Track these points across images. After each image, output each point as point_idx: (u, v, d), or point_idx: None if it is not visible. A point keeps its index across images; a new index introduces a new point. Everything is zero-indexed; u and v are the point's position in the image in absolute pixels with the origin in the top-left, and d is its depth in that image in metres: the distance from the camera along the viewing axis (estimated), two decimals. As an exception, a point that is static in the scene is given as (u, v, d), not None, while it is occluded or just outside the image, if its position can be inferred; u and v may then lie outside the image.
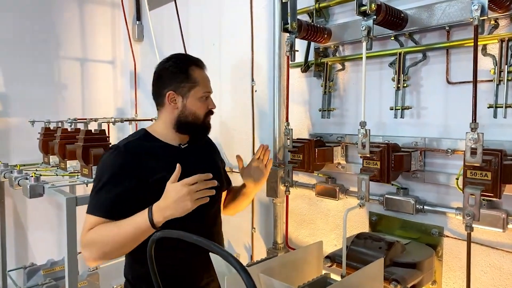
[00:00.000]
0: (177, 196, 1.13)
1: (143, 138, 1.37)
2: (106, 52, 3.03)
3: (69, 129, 2.10)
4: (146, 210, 1.17)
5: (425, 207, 1.36)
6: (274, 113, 1.87)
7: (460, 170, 1.23)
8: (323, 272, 1.27)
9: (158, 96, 1.38)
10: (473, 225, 1.07)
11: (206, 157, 1.49)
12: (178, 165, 1.19)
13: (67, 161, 2.02)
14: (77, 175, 1.93)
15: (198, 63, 1.40)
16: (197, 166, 1.38)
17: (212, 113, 1.42)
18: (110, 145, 1.39)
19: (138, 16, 2.98)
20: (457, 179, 1.25)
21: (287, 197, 1.84)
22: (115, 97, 3.09)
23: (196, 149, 1.44)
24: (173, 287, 1.31)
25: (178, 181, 1.22)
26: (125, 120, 2.30)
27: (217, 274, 1.14)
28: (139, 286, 1.35)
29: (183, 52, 2.43)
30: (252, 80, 2.07)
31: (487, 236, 1.26)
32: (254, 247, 2.13)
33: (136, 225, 1.17)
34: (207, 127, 1.41)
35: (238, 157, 1.59)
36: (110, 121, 2.18)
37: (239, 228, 2.21)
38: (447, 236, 1.36)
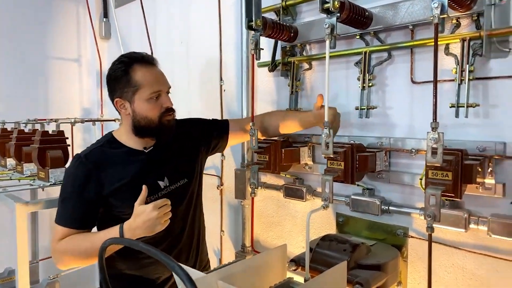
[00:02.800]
0: (147, 218, 1.15)
1: (107, 144, 1.33)
2: (71, 50, 2.91)
3: (26, 130, 1.99)
4: (117, 227, 1.19)
5: (390, 207, 1.35)
6: (242, 112, 1.83)
7: (423, 170, 1.22)
8: (288, 276, 1.23)
9: (112, 104, 1.33)
10: (436, 226, 1.06)
11: (175, 153, 1.41)
12: (144, 187, 1.19)
13: (24, 164, 1.91)
14: (34, 179, 1.83)
15: (142, 61, 1.29)
16: (162, 168, 1.34)
17: (169, 111, 1.32)
18: (75, 154, 1.34)
19: (105, 13, 2.88)
20: (421, 179, 1.24)
21: (252, 199, 1.80)
22: (81, 96, 2.98)
23: (163, 149, 1.37)
24: None
25: (136, 186, 1.22)
26: (87, 121, 2.21)
27: (177, 282, 1.10)
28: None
29: (150, 50, 2.35)
30: (221, 79, 2.02)
31: (450, 236, 1.26)
32: (223, 250, 2.08)
33: None
34: (165, 128, 1.32)
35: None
36: (71, 121, 2.08)
37: (207, 231, 2.15)
38: (412, 237, 1.35)
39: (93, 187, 1.24)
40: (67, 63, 2.88)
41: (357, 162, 1.27)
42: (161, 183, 1.33)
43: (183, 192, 1.39)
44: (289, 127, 1.48)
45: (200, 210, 1.52)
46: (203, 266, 1.53)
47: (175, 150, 1.41)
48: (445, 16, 0.96)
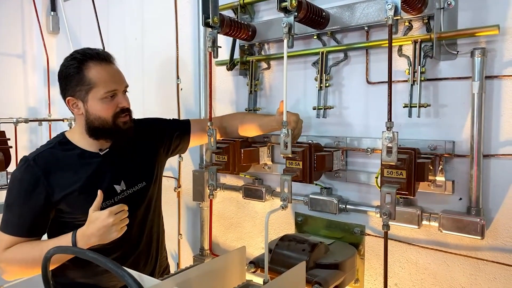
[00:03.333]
0: (102, 225, 1.10)
1: (58, 146, 1.25)
2: (14, 45, 2.71)
3: (-39, 131, 1.82)
4: (70, 234, 1.13)
5: (347, 206, 1.37)
6: (200, 112, 1.79)
7: (379, 169, 1.24)
8: (247, 278, 1.21)
9: (65, 103, 1.25)
10: (391, 223, 1.08)
11: (133, 156, 1.34)
12: (99, 191, 1.14)
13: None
14: (-29, 183, 1.68)
15: (97, 58, 1.21)
16: (118, 171, 1.28)
17: (125, 111, 1.25)
18: (22, 157, 1.24)
19: (53, 7, 2.71)
20: (377, 177, 1.27)
21: (211, 201, 1.76)
22: (26, 95, 2.77)
23: (120, 151, 1.30)
24: None
25: (90, 190, 1.16)
26: (32, 120, 2.05)
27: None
28: None
29: (102, 46, 2.24)
30: (178, 77, 1.96)
31: (404, 233, 1.29)
32: (181, 254, 2.02)
33: None
34: (120, 129, 1.24)
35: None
36: (13, 121, 1.92)
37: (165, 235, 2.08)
38: (369, 235, 1.37)
39: (42, 192, 1.16)
40: (10, 58, 2.67)
41: (315, 162, 1.27)
42: (118, 187, 1.26)
43: (141, 196, 1.34)
44: (250, 130, 1.46)
45: (159, 214, 1.47)
46: (162, 271, 1.48)
47: (133, 151, 1.35)
48: (399, 17, 0.98)
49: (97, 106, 1.20)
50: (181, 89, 1.97)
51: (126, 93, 1.29)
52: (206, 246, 1.78)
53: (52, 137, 1.35)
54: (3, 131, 1.71)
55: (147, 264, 1.37)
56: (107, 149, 1.28)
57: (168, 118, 1.52)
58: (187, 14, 1.90)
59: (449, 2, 1.15)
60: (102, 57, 1.22)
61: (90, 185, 1.20)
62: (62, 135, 1.29)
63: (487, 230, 1.13)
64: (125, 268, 0.67)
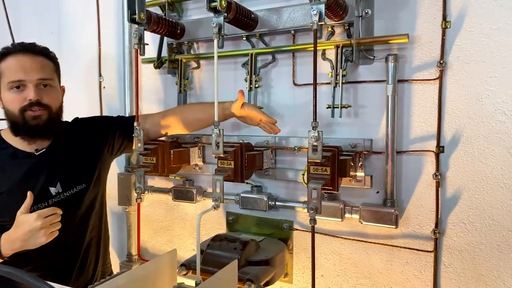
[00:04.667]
0: (28, 229, 1.04)
1: None
2: None
3: None
4: None
5: (276, 203, 1.41)
6: (125, 111, 1.71)
7: (305, 166, 1.30)
8: (179, 281, 1.19)
9: None
10: (317, 217, 1.14)
11: (72, 157, 1.25)
12: (29, 193, 1.08)
13: None
14: None
15: (18, 48, 1.17)
16: (54, 173, 1.19)
17: (34, 105, 1.14)
18: None
19: None
20: (303, 174, 1.33)
21: (138, 204, 1.70)
22: None
23: (58, 150, 1.21)
24: None
25: (21, 193, 1.09)
26: None
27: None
28: None
29: (11, 40, 2.03)
30: (100, 75, 1.85)
31: (329, 226, 1.37)
32: (106, 262, 1.91)
33: None
34: (28, 124, 1.14)
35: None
36: None
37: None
38: (297, 229, 1.43)
39: None
40: None
41: (246, 161, 1.29)
42: (53, 190, 1.19)
43: (79, 199, 1.25)
44: (209, 120, 1.38)
45: (101, 218, 1.38)
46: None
47: (73, 152, 1.27)
48: (323, 23, 1.04)
49: (5, 96, 1.14)
50: (104, 87, 1.86)
51: (48, 87, 1.20)
52: (134, 252, 1.70)
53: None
54: None
55: (83, 273, 1.28)
56: (44, 149, 1.20)
57: (112, 115, 1.45)
58: (111, 8, 1.80)
59: (366, 11, 1.25)
60: (23, 48, 1.17)
61: (21, 187, 1.13)
62: None
63: (400, 220, 1.25)
64: (48, 282, 0.62)
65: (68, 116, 1.53)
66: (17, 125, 1.15)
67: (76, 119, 1.39)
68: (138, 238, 1.43)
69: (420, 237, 1.24)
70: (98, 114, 1.86)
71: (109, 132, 1.37)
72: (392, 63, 1.19)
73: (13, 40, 2.03)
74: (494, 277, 1.15)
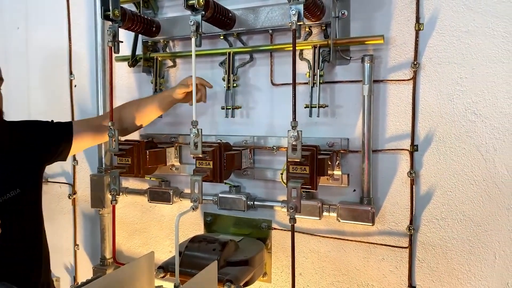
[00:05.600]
0: None
1: None
2: None
3: None
4: None
5: (255, 202, 1.41)
6: (98, 110, 1.65)
7: (284, 165, 1.31)
8: (157, 284, 1.16)
9: None
10: (296, 216, 1.15)
11: (4, 161, 1.16)
12: None
13: None
14: None
15: None
16: None
17: None
18: None
19: None
20: (282, 174, 1.33)
21: (113, 206, 1.64)
22: None
23: None
24: None
25: None
26: None
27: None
28: None
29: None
30: (71, 73, 1.79)
31: (307, 225, 1.38)
32: (78, 267, 1.85)
33: None
34: None
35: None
36: None
37: (57, 247, 1.88)
38: (275, 229, 1.44)
39: None
40: None
41: (225, 161, 1.28)
42: None
43: (15, 205, 1.15)
44: (149, 113, 1.40)
45: (40, 226, 1.27)
46: None
47: (5, 156, 1.17)
48: (302, 23, 1.04)
49: None
50: (75, 85, 1.80)
51: None
52: (108, 255, 1.66)
53: None
54: None
55: (24, 285, 1.16)
56: None
57: (46, 120, 1.33)
58: (82, 4, 1.74)
59: (342, 12, 1.26)
60: None
61: None
62: None
63: (377, 217, 1.28)
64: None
65: (40, 116, 1.47)
66: None
67: (3, 121, 1.24)
68: (114, 241, 1.39)
69: (395, 234, 1.27)
70: (69, 113, 1.80)
71: (43, 137, 1.27)
72: (368, 64, 1.21)
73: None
74: (465, 271, 1.19)
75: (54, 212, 1.87)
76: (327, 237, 1.36)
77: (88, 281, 1.01)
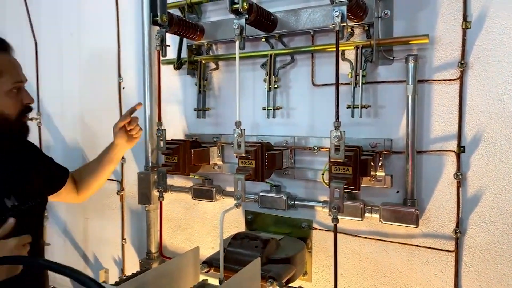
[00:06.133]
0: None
1: None
2: None
3: None
4: None
5: (295, 202, 1.43)
6: (146, 112, 1.72)
7: (325, 165, 1.32)
8: (201, 278, 1.21)
9: None
10: (338, 217, 1.16)
11: (21, 167, 1.18)
12: (11, 219, 0.93)
13: None
14: None
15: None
16: (8, 183, 1.10)
17: (30, 109, 1.12)
18: None
19: (-29, -5, 2.44)
20: (323, 174, 1.34)
21: (161, 203, 1.72)
22: None
23: (5, 159, 1.13)
24: None
25: None
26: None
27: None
28: None
29: (33, 41, 2.08)
30: (119, 76, 1.89)
31: (348, 225, 1.38)
32: (125, 260, 1.95)
33: None
34: (22, 129, 1.11)
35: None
36: None
37: (107, 241, 1.99)
38: (316, 229, 1.45)
39: None
40: None
41: (267, 160, 1.31)
42: (8, 202, 1.09)
43: (34, 214, 1.18)
44: (104, 170, 1.44)
45: (42, 233, 1.30)
46: None
47: (21, 163, 1.19)
48: (345, 24, 1.05)
49: (2, 100, 1.04)
50: (123, 88, 1.89)
51: None
52: (153, 250, 1.73)
53: None
54: None
55: None
56: None
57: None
58: (130, 10, 1.84)
59: (385, 12, 1.25)
60: (4, 46, 1.09)
61: None
62: None
63: (421, 219, 1.26)
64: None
65: (91, 115, 1.57)
66: (4, 131, 1.07)
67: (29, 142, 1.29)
68: (161, 236, 1.45)
69: (440, 237, 1.24)
70: (117, 113, 1.89)
71: (45, 164, 1.33)
72: (412, 64, 1.20)
73: (35, 41, 2.08)
74: (516, 277, 1.15)
75: (104, 207, 1.98)
76: (369, 238, 1.35)
77: (138, 273, 1.08)
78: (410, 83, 1.20)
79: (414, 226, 1.21)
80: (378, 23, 1.26)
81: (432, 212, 1.25)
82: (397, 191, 1.29)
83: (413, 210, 1.20)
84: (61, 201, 1.44)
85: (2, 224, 0.94)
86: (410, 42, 1.22)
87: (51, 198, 1.34)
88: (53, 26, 2.11)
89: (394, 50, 1.28)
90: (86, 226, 2.08)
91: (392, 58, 1.28)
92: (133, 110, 1.41)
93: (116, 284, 0.99)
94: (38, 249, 1.21)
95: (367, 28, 1.29)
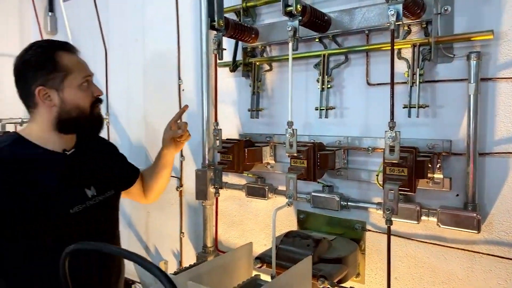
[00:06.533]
0: None
1: (16, 144, 1.12)
2: (13, 46, 2.71)
3: (-35, 131, 1.83)
4: None
5: (348, 203, 1.42)
6: (203, 113, 1.81)
7: (379, 166, 1.30)
8: (254, 273, 1.25)
9: (27, 96, 1.14)
10: (392, 219, 1.14)
11: (98, 161, 1.29)
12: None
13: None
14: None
15: (65, 47, 1.17)
16: (88, 175, 1.22)
17: (100, 101, 1.22)
18: None
19: (51, 7, 2.72)
20: (377, 175, 1.32)
21: (216, 199, 1.80)
22: (24, 95, 2.78)
23: (85, 153, 1.24)
24: None
25: (58, 193, 1.12)
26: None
27: (142, 285, 1.08)
28: None
29: (103, 48, 2.27)
30: (179, 78, 2.00)
31: (403, 228, 1.35)
32: (183, 252, 2.06)
33: None
34: (97, 119, 1.22)
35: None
36: (17, 121, 1.94)
37: (166, 234, 2.12)
38: (369, 230, 1.43)
39: (6, 192, 1.03)
40: (10, 59, 2.67)
41: (319, 160, 1.32)
42: (89, 192, 1.19)
43: (110, 205, 1.29)
44: (158, 175, 1.50)
45: (118, 225, 1.39)
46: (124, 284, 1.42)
47: (98, 157, 1.29)
48: (400, 22, 1.03)
49: (75, 93, 1.14)
50: (183, 89, 2.00)
51: None
52: (209, 244, 1.81)
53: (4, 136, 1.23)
54: (8, 131, 1.73)
55: (111, 275, 1.29)
56: (73, 150, 1.20)
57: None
58: (189, 16, 1.93)
59: (445, 8, 1.20)
60: (71, 47, 1.20)
61: (60, 188, 1.12)
62: (16, 134, 1.17)
63: (483, 225, 1.19)
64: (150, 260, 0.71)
65: (153, 116, 1.68)
66: (80, 122, 1.16)
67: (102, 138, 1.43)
68: (216, 230, 1.52)
69: (505, 244, 1.17)
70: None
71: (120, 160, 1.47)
72: (475, 61, 1.14)
73: (105, 47, 2.27)
74: None
75: (164, 202, 2.11)
76: (426, 242, 1.31)
77: (194, 265, 1.15)
78: (472, 82, 1.15)
79: (476, 231, 1.15)
80: (437, 20, 1.22)
81: (495, 217, 1.18)
82: (457, 195, 1.24)
83: (474, 214, 1.15)
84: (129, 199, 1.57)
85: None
86: (472, 39, 1.16)
87: (122, 195, 1.44)
88: (120, 33, 2.29)
89: (454, 47, 1.22)
90: (148, 220, 2.23)
91: (452, 55, 1.22)
92: (182, 112, 1.48)
93: (174, 274, 1.06)
94: (114, 238, 1.34)
95: (425, 25, 1.25)
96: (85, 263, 1.14)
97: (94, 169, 1.25)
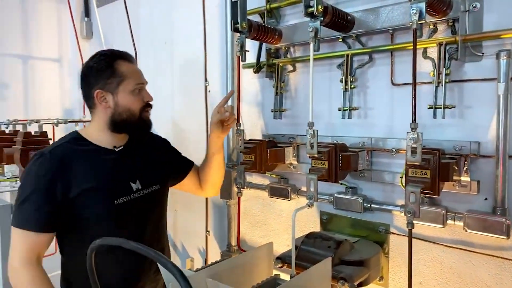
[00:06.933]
0: None
1: (74, 141, 1.27)
2: (51, 50, 2.87)
3: (6, 131, 1.95)
4: None
5: (372, 205, 1.40)
6: (227, 113, 1.85)
7: (403, 168, 1.27)
8: (274, 273, 1.26)
9: (88, 98, 1.28)
10: (416, 222, 1.11)
11: (145, 158, 1.38)
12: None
13: (5, 166, 1.88)
14: (16, 181, 1.80)
15: (124, 57, 1.30)
16: (134, 170, 1.32)
17: (150, 106, 1.33)
18: (36, 152, 1.24)
19: (87, 13, 2.85)
20: (401, 177, 1.29)
21: (239, 198, 1.82)
22: (62, 97, 2.93)
23: (133, 150, 1.34)
24: None
25: (106, 186, 1.22)
26: (70, 122, 2.18)
27: (165, 281, 1.11)
28: None
29: (133, 51, 2.35)
30: (206, 80, 2.04)
31: (429, 232, 1.31)
32: (208, 250, 2.10)
33: None
34: (145, 122, 1.32)
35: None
36: (54, 122, 2.05)
37: (193, 232, 2.17)
38: (393, 233, 1.40)
39: (59, 187, 1.16)
40: (48, 63, 2.83)
41: (341, 162, 1.31)
42: (134, 185, 1.29)
43: (154, 199, 1.36)
44: (213, 165, 1.48)
45: (166, 221, 1.47)
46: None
47: (147, 153, 1.39)
48: (423, 21, 1.01)
49: (127, 98, 1.26)
50: (209, 91, 2.04)
51: None
52: (233, 242, 1.84)
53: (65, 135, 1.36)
54: (45, 132, 1.84)
55: (156, 269, 1.35)
56: (122, 147, 1.31)
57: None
58: (215, 19, 1.97)
59: (474, 5, 1.16)
60: (129, 57, 1.33)
61: (107, 181, 1.24)
62: (76, 133, 1.32)
63: (513, 230, 1.14)
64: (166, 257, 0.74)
65: (180, 115, 1.72)
66: (131, 123, 1.27)
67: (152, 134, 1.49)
68: (238, 229, 1.55)
69: (537, 251, 1.11)
70: (204, 115, 2.04)
71: (171, 155, 1.51)
72: (505, 60, 1.09)
73: (135, 50, 2.35)
74: None
75: (191, 201, 2.16)
76: (452, 247, 1.27)
77: (214, 263, 1.17)
78: (501, 81, 1.10)
79: (505, 237, 1.10)
80: (465, 18, 1.18)
81: (527, 223, 1.13)
82: (485, 198, 1.19)
83: (504, 219, 1.10)
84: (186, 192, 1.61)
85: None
86: (503, 37, 1.12)
87: (176, 188, 1.52)
88: (150, 37, 2.36)
89: (483, 45, 1.18)
90: (176, 217, 2.29)
91: (481, 54, 1.18)
92: (229, 96, 1.45)
93: (195, 271, 1.09)
94: (160, 229, 1.41)
95: (451, 23, 1.21)
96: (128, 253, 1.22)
97: (141, 164, 1.35)
